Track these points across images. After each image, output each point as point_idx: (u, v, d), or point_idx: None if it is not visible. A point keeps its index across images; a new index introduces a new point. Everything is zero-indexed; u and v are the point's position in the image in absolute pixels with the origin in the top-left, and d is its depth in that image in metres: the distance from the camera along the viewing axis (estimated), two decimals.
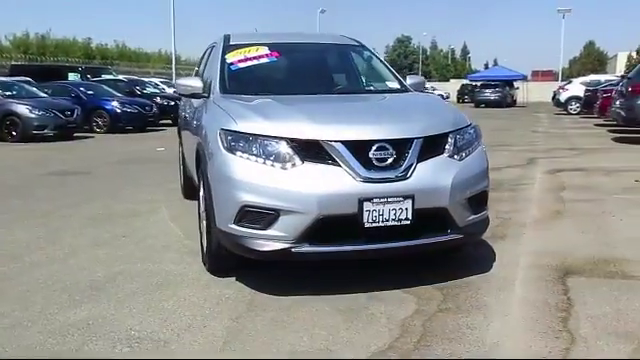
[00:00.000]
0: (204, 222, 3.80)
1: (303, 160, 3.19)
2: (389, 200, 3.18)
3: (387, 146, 3.24)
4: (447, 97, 41.76)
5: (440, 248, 3.57)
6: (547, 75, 66.59)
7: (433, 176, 3.32)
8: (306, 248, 3.19)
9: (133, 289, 3.52)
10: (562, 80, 45.54)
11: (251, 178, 3.22)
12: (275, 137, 3.27)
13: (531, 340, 2.76)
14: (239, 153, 3.30)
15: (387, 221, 3.20)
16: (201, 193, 3.91)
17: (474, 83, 43.06)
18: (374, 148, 3.22)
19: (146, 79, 24.71)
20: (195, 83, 4.34)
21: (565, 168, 8.40)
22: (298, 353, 2.68)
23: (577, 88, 25.12)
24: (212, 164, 3.43)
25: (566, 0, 52.51)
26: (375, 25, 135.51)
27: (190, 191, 5.97)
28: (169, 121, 18.54)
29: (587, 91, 21.82)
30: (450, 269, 3.75)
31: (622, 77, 20.28)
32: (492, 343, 2.73)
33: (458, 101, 47.26)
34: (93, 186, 7.33)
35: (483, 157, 3.67)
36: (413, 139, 3.33)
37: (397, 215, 3.21)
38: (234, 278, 3.65)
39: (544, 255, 4.07)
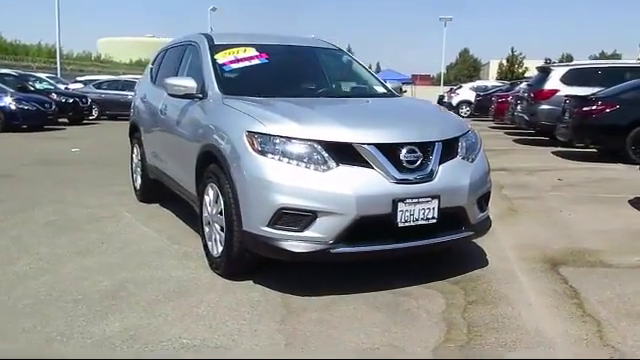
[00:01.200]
0: (215, 226, 3.74)
1: (338, 162, 3.26)
2: (420, 200, 3.34)
3: (415, 149, 3.40)
4: None
5: (454, 245, 3.78)
6: (425, 79, 70.13)
7: (453, 177, 3.52)
8: (343, 249, 3.26)
9: (153, 297, 3.39)
10: (444, 85, 48.53)
11: (288, 180, 3.23)
12: (308, 139, 3.30)
13: (564, 325, 3.04)
14: (271, 155, 3.30)
15: (417, 220, 3.36)
16: (208, 198, 3.84)
17: None
18: (404, 151, 3.37)
19: (38, 74, 23.00)
20: (189, 83, 4.23)
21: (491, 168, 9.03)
22: (364, 352, 2.75)
23: (467, 93, 26.92)
24: (239, 167, 3.38)
25: (446, 9, 55.80)
26: (261, 26, 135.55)
27: (151, 194, 5.79)
28: (65, 119, 17.55)
29: (478, 96, 23.46)
30: (452, 265, 3.98)
31: (511, 83, 22.09)
32: (534, 330, 2.97)
33: None
34: (26, 190, 6.78)
35: (485, 159, 3.93)
36: (435, 142, 3.52)
37: (425, 214, 3.38)
38: (251, 281, 3.63)
39: (524, 248, 4.42)
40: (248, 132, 3.40)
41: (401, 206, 3.29)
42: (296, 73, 4.84)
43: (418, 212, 3.35)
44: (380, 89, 4.81)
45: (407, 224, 3.33)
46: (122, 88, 21.07)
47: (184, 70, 4.93)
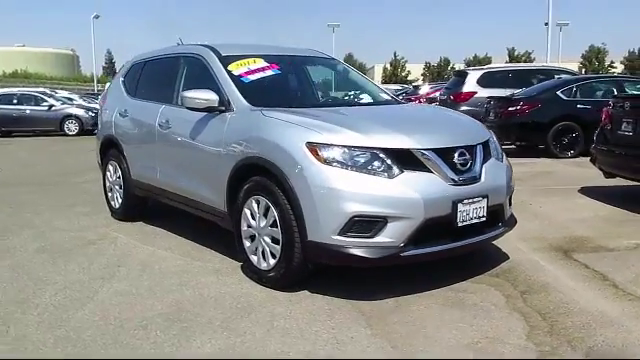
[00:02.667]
0: (264, 239, 3.72)
1: (402, 169, 3.38)
2: (474, 200, 3.56)
3: (465, 152, 3.61)
4: None
5: (492, 240, 4.03)
6: None
7: (493, 177, 3.77)
8: (412, 251, 3.39)
9: (222, 315, 3.32)
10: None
11: (359, 188, 3.30)
12: (371, 148, 3.40)
13: (616, 305, 3.37)
14: (337, 165, 3.36)
15: (471, 219, 3.57)
16: (249, 211, 3.81)
17: None
18: (457, 154, 3.57)
19: None
20: (211, 96, 4.15)
21: None
22: (467, 347, 2.90)
23: None
24: (302, 178, 3.40)
25: (334, 16, 57.43)
26: (150, 33, 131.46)
27: (134, 212, 5.59)
28: None
29: None
30: (479, 261, 4.21)
31: (415, 86, 23.17)
32: (597, 311, 3.27)
33: None
34: None
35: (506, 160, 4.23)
36: (476, 145, 3.75)
37: (477, 213, 3.60)
38: (306, 291, 3.65)
39: (529, 240, 4.77)
40: (309, 143, 3.43)
41: (460, 207, 3.48)
42: (310, 83, 4.90)
43: (472, 211, 3.56)
44: (385, 96, 4.98)
45: (464, 223, 3.53)
46: (18, 102, 19.60)
47: (187, 83, 4.79)
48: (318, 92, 4.86)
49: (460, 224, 3.51)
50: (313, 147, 3.41)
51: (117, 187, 5.77)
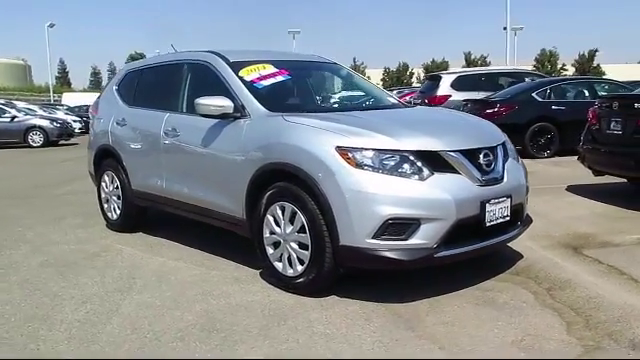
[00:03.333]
0: (291, 245, 3.68)
1: (432, 170, 3.41)
2: (499, 200, 3.61)
3: (489, 152, 3.67)
4: None
5: (514, 239, 4.08)
6: None
7: (514, 177, 3.84)
8: (444, 252, 3.42)
9: (257, 323, 3.27)
10: None
11: (392, 191, 3.32)
12: (401, 150, 3.42)
13: None
14: (369, 168, 3.36)
15: (497, 219, 3.63)
16: (272, 218, 3.78)
17: None
18: (482, 155, 3.62)
19: None
20: (226, 102, 4.10)
21: None
22: (512, 343, 2.94)
23: None
24: (334, 182, 3.38)
25: (296, 22, 57.76)
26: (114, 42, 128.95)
27: (134, 223, 5.50)
28: None
29: None
30: (495, 261, 4.27)
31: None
32: (627, 305, 3.35)
33: None
34: None
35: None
36: (497, 146, 3.82)
37: (502, 213, 3.66)
38: (335, 296, 3.64)
39: (537, 239, 4.85)
40: (338, 147, 3.42)
41: (488, 207, 3.53)
42: (320, 88, 4.90)
43: (498, 211, 3.62)
44: (392, 99, 5.01)
45: (492, 223, 3.59)
46: None
47: (192, 90, 4.73)
48: (330, 97, 4.85)
49: (488, 224, 3.56)
50: (343, 151, 3.41)
51: (115, 198, 5.63)
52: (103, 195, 5.83)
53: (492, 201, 3.56)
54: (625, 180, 6.90)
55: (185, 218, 4.94)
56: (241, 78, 4.34)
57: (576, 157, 7.06)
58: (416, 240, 3.34)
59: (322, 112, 4.19)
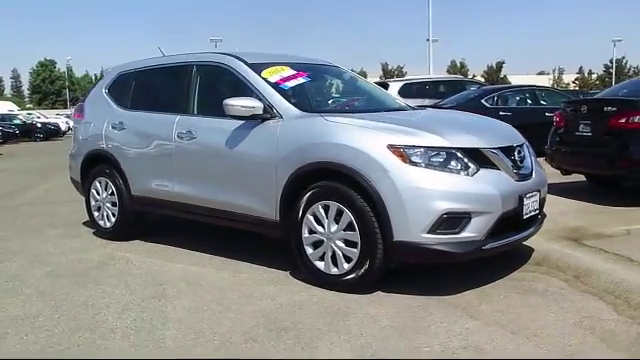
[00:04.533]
0: (337, 244, 3.72)
1: (477, 167, 3.58)
2: (532, 194, 3.84)
3: (520, 150, 3.89)
4: None
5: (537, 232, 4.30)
6: None
7: (539, 172, 4.09)
8: (491, 244, 3.59)
9: (324, 321, 3.28)
10: None
11: (446, 186, 3.45)
12: (450, 148, 3.56)
13: None
14: (423, 165, 3.48)
15: (530, 212, 3.85)
16: (312, 217, 3.81)
17: None
18: (516, 152, 3.83)
19: None
20: (256, 103, 4.09)
21: None
22: (574, 325, 3.13)
23: None
24: (388, 179, 3.46)
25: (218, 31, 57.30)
26: (17, 47, 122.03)
27: (132, 229, 5.33)
28: None
29: None
30: (508, 254, 4.48)
31: None
32: None
33: None
34: None
35: None
36: (523, 144, 4.05)
37: (534, 206, 3.89)
38: (380, 292, 3.71)
39: (538, 233, 5.14)
40: (390, 145, 3.51)
41: (525, 200, 3.75)
42: (341, 90, 4.95)
43: (531, 205, 3.84)
44: (401, 102, 5.16)
45: (527, 216, 3.81)
46: None
47: (204, 92, 4.68)
48: (358, 98, 4.93)
49: (525, 217, 3.77)
50: (396, 149, 3.50)
51: (109, 205, 5.41)
52: (93, 203, 5.58)
53: (527, 195, 3.77)
54: (584, 178, 7.46)
55: (178, 223, 4.87)
56: (265, 79, 4.33)
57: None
58: (467, 233, 3.48)
59: (354, 113, 4.26)
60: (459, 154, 3.55)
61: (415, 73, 44.15)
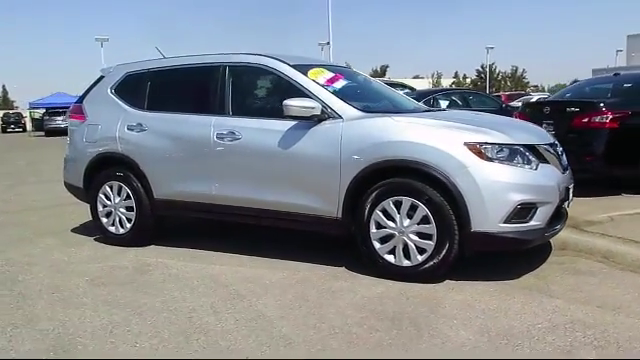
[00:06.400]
0: (410, 237, 3.93)
1: (537, 162, 3.96)
2: (571, 186, 4.30)
3: (558, 146, 4.33)
4: None
5: None
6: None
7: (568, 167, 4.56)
8: (549, 231, 3.99)
9: (424, 310, 3.50)
10: None
11: (519, 180, 3.79)
12: (515, 144, 3.90)
13: None
14: (497, 161, 3.79)
15: (569, 203, 4.30)
16: (381, 213, 4.00)
17: (38, 111, 40.58)
18: (559, 148, 4.27)
19: None
20: (315, 104, 4.20)
21: None
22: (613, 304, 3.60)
23: None
24: (467, 174, 3.73)
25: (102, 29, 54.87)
26: None
27: (150, 234, 5.23)
28: None
29: None
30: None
31: None
32: None
33: (4, 131, 44.11)
34: None
35: None
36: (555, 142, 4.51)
37: (570, 198, 4.34)
38: (449, 281, 3.98)
39: None
40: (466, 143, 3.79)
41: (569, 192, 4.19)
42: (375, 91, 5.14)
43: (571, 195, 4.29)
44: (416, 103, 5.47)
45: (569, 206, 4.25)
46: None
47: (239, 93, 4.71)
48: (390, 99, 5.14)
49: (568, 207, 4.22)
50: (472, 146, 3.79)
51: (122, 210, 5.21)
52: (102, 209, 5.33)
53: (569, 187, 4.22)
54: None
55: (181, 227, 4.89)
56: (314, 81, 4.44)
57: None
58: (534, 222, 3.85)
59: (406, 113, 4.51)
60: (523, 150, 3.91)
61: None
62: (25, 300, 3.89)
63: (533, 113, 7.61)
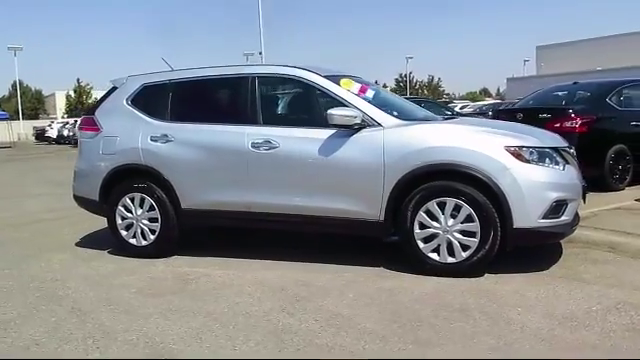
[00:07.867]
0: (454, 235, 4.24)
1: (565, 162, 4.38)
2: (584, 186, 4.76)
3: (572, 149, 4.79)
4: None
5: None
6: None
7: None
8: (575, 225, 4.43)
9: (491, 303, 3.79)
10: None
11: (554, 179, 4.21)
12: (546, 147, 4.31)
13: None
14: (534, 162, 4.18)
15: (585, 199, 4.77)
16: (424, 215, 4.28)
17: None
18: (572, 150, 4.73)
19: None
20: (356, 113, 4.43)
21: None
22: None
23: None
24: (509, 176, 4.08)
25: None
26: None
27: (173, 245, 5.27)
28: None
29: None
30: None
31: None
32: None
33: None
34: None
35: None
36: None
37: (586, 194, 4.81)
38: (489, 274, 4.31)
39: None
40: (507, 147, 4.15)
41: (585, 189, 4.65)
42: (393, 101, 5.42)
43: (585, 193, 4.76)
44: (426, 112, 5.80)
45: (585, 202, 4.71)
46: None
47: (269, 103, 4.88)
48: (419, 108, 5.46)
49: (584, 202, 4.68)
50: (511, 150, 4.15)
51: (145, 222, 5.20)
52: (121, 221, 5.28)
53: (584, 186, 4.68)
54: None
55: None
56: (349, 91, 4.67)
57: None
58: (565, 217, 4.26)
59: (434, 121, 4.84)
60: (551, 152, 4.32)
61: None
62: (85, 314, 3.84)
63: (507, 119, 8.17)
